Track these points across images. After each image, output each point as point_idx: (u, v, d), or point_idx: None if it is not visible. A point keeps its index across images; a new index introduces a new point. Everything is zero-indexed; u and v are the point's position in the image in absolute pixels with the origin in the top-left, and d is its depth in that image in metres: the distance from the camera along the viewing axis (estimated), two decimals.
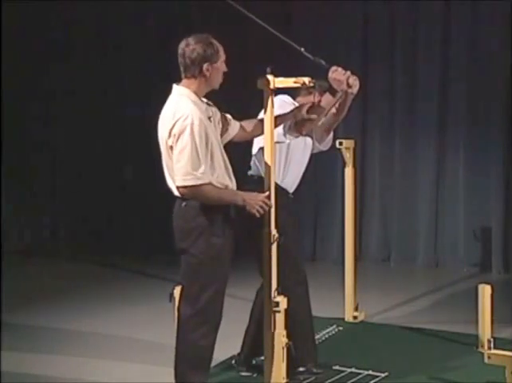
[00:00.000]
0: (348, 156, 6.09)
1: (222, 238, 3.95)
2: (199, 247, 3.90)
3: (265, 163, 4.13)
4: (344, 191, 6.20)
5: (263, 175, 4.19)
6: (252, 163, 4.71)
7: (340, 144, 6.03)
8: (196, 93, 3.94)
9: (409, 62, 8.23)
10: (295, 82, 4.09)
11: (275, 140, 4.18)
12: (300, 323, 4.68)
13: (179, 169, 3.81)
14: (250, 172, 4.79)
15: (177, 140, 3.80)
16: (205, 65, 3.91)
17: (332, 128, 4.89)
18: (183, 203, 3.91)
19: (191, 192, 3.83)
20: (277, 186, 4.31)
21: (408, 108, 8.27)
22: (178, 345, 4.01)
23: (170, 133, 3.83)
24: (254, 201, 3.97)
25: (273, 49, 7.76)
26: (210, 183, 3.85)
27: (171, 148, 3.84)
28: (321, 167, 8.07)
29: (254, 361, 4.92)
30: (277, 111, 4.25)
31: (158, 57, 8.24)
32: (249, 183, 4.75)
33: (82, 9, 8.77)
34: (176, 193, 3.93)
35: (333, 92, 4.42)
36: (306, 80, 4.11)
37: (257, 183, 4.34)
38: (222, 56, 3.98)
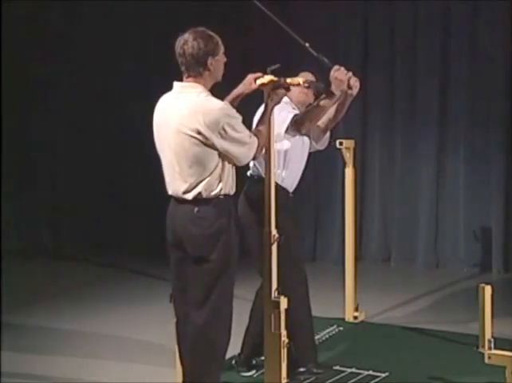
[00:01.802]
0: (348, 156, 6.08)
1: (235, 238, 3.94)
2: (220, 253, 3.85)
3: (266, 163, 4.13)
4: (344, 191, 6.20)
5: (263, 175, 4.19)
6: (251, 163, 4.71)
7: (341, 144, 6.03)
8: (206, 89, 3.87)
9: (409, 62, 8.23)
10: (290, 83, 4.09)
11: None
12: (300, 323, 4.69)
13: (245, 148, 3.83)
14: (249, 172, 4.79)
15: (227, 131, 3.76)
16: (209, 60, 3.81)
17: (330, 127, 4.89)
18: (196, 209, 3.84)
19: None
20: (277, 186, 4.32)
21: (408, 108, 8.27)
22: (202, 349, 3.93)
23: (217, 133, 3.75)
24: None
25: (274, 49, 7.82)
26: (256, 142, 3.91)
27: (204, 140, 3.76)
28: (321, 167, 8.07)
29: (254, 362, 4.92)
30: (276, 111, 4.26)
31: (157, 57, 8.23)
32: (249, 183, 4.75)
33: (82, 8, 8.78)
34: (188, 197, 3.84)
35: (330, 94, 4.42)
36: (301, 80, 4.11)
37: (258, 183, 4.34)
38: (222, 47, 3.90)
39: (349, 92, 4.46)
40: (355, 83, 4.42)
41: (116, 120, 8.77)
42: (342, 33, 8.43)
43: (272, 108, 3.99)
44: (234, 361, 4.97)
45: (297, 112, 4.71)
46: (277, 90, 4.00)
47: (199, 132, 3.75)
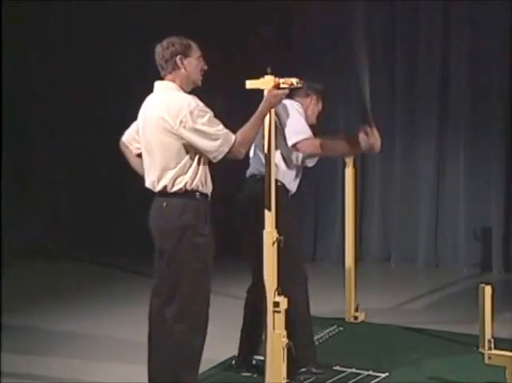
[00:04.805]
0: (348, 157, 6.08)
1: (205, 237, 3.94)
2: (184, 248, 3.88)
3: (266, 163, 4.13)
4: (345, 192, 6.20)
5: (280, 179, 4.42)
6: (257, 163, 4.69)
7: None
8: (182, 89, 3.98)
9: (409, 62, 8.23)
10: (283, 83, 4.10)
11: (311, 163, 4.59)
12: (300, 323, 4.68)
13: (214, 141, 3.84)
14: (250, 171, 4.78)
15: (188, 121, 3.82)
16: (177, 58, 3.96)
17: (328, 156, 4.96)
18: (164, 203, 3.91)
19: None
20: (282, 186, 4.38)
21: (409, 109, 8.27)
22: (166, 347, 3.94)
23: (178, 122, 3.82)
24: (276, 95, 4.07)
25: (274, 49, 7.82)
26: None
27: (169, 128, 3.85)
28: (321, 167, 8.06)
29: (254, 362, 4.91)
30: (286, 115, 4.32)
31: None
32: (252, 183, 4.74)
33: (81, 8, 8.79)
34: (156, 189, 3.94)
35: (354, 147, 4.56)
36: (294, 81, 4.12)
37: (262, 183, 4.32)
38: (196, 52, 4.03)
39: (368, 151, 4.61)
40: (376, 145, 4.52)
41: (115, 120, 8.75)
42: (342, 34, 8.43)
43: (269, 109, 4.02)
44: (233, 362, 4.96)
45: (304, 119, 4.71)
46: (275, 91, 4.02)
47: (164, 121, 3.86)
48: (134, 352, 5.44)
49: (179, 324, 3.91)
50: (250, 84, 4.11)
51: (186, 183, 3.89)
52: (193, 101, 3.87)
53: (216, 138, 3.85)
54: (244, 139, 3.93)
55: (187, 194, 3.90)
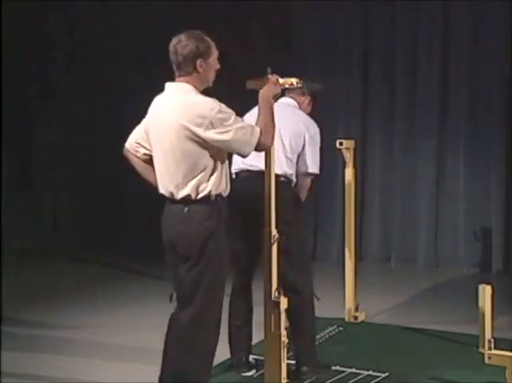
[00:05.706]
0: (348, 157, 6.08)
1: (226, 240, 3.93)
2: (209, 252, 3.84)
3: (266, 161, 4.14)
4: (344, 191, 6.20)
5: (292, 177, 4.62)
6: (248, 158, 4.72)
7: (341, 144, 6.03)
8: (197, 91, 3.87)
9: (409, 62, 8.23)
10: (283, 83, 4.10)
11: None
12: (305, 322, 4.71)
13: (242, 135, 3.78)
14: (238, 168, 4.79)
15: (214, 124, 3.74)
16: (198, 61, 3.83)
17: None
18: (186, 209, 3.83)
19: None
20: (287, 182, 4.62)
21: (408, 109, 8.27)
22: (187, 349, 3.92)
23: (204, 128, 3.73)
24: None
25: (273, 49, 7.83)
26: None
27: (191, 136, 3.75)
28: (321, 167, 8.06)
29: (253, 361, 4.91)
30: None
31: (158, 58, 8.23)
32: (246, 181, 4.75)
33: (82, 9, 8.80)
34: (177, 197, 3.84)
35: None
36: (294, 80, 4.13)
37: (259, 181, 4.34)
38: (215, 52, 3.92)
39: None
40: None
41: (116, 120, 8.76)
42: (342, 33, 8.43)
43: (268, 101, 3.97)
44: (233, 362, 4.96)
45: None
46: (266, 87, 4.00)
47: (186, 128, 3.76)
48: (134, 352, 5.45)
49: (197, 326, 3.89)
50: (250, 84, 4.10)
51: (210, 190, 3.82)
52: (215, 104, 3.78)
53: (244, 134, 3.78)
54: (266, 128, 3.86)
55: (211, 199, 3.84)
